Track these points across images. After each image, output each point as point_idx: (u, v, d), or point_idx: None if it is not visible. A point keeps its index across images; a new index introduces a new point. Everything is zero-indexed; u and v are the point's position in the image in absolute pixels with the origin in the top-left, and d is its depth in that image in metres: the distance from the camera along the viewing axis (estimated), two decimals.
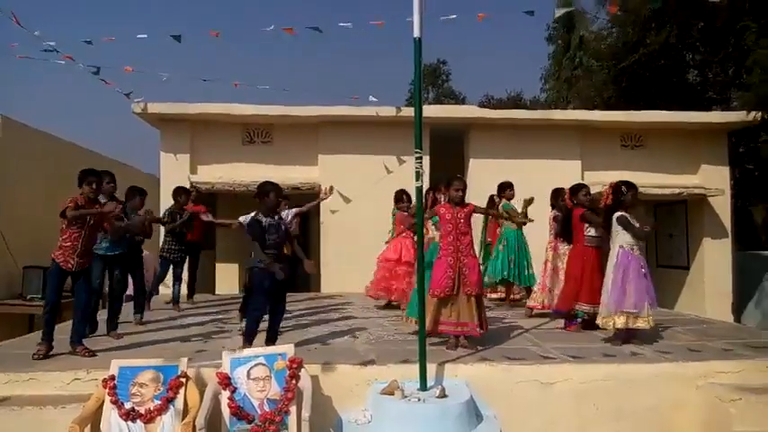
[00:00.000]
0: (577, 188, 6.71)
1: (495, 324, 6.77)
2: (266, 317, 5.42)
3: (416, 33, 4.46)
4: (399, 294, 7.68)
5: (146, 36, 8.71)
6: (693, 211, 11.78)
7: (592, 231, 6.37)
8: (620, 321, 5.64)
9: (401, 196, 7.91)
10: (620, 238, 5.73)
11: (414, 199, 6.19)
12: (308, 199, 7.98)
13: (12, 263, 9.43)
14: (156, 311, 7.78)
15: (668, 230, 12.21)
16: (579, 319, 6.50)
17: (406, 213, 7.65)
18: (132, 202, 6.60)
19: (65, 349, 5.29)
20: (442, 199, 6.33)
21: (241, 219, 6.09)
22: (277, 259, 5.19)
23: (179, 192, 8.15)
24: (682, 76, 16.86)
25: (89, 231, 5.19)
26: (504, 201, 8.05)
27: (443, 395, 4.30)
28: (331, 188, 7.68)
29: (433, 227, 6.53)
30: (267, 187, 5.31)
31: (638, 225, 5.72)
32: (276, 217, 5.31)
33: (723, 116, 11.75)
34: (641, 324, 5.61)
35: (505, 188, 8.06)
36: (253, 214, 5.38)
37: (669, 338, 6.13)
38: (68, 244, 5.10)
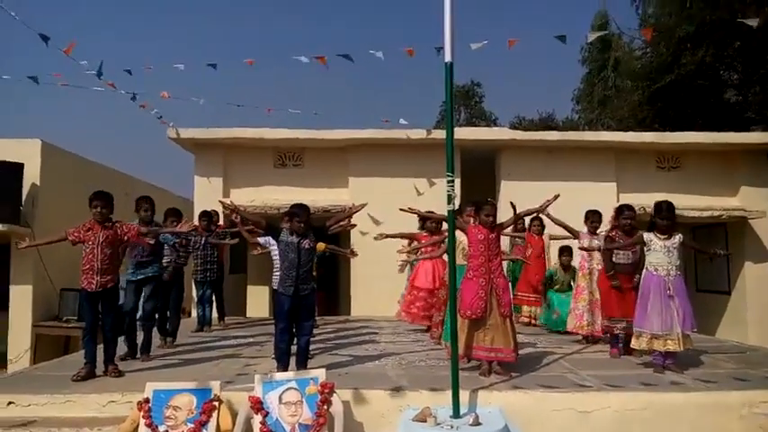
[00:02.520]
0: (620, 210, 6.43)
1: (528, 349, 6.66)
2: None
3: (448, 58, 4.45)
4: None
5: (182, 66, 8.84)
6: (734, 234, 11.46)
7: (619, 256, 6.27)
8: (645, 342, 5.53)
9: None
10: (647, 260, 5.69)
11: None
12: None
13: (50, 285, 9.64)
14: (188, 334, 7.84)
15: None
16: (620, 343, 6.33)
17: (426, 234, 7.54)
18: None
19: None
20: (472, 222, 6.23)
21: (261, 240, 5.97)
22: (301, 281, 5.22)
23: (200, 216, 8.39)
24: (719, 95, 16.52)
25: (101, 250, 5.29)
26: None
27: (477, 423, 4.21)
28: (362, 206, 6.90)
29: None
30: (292, 210, 5.34)
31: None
32: (299, 238, 5.25)
33: (763, 137, 11.47)
34: (671, 346, 5.43)
35: None
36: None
37: (710, 366, 5.93)
38: (87, 267, 5.31)
